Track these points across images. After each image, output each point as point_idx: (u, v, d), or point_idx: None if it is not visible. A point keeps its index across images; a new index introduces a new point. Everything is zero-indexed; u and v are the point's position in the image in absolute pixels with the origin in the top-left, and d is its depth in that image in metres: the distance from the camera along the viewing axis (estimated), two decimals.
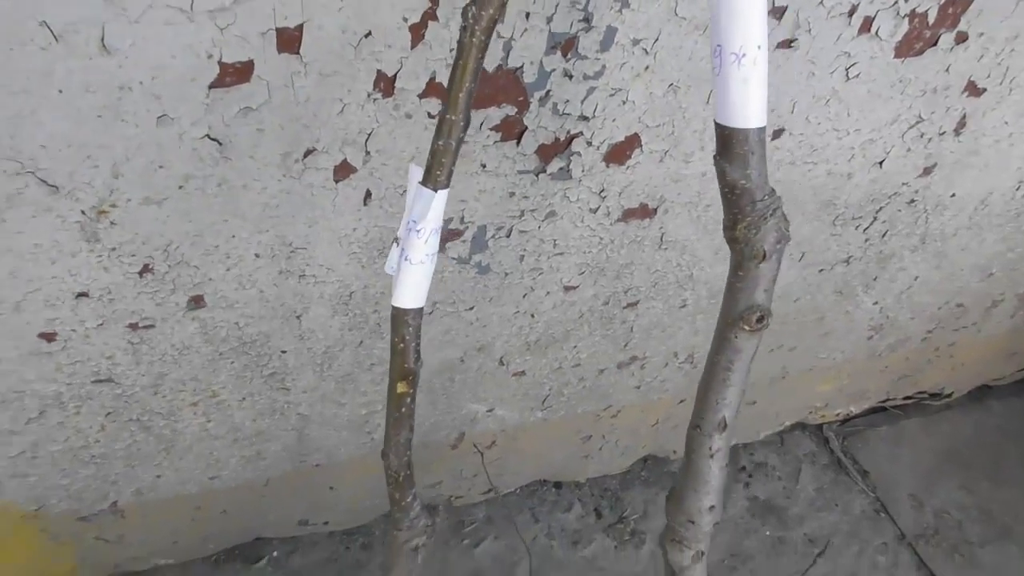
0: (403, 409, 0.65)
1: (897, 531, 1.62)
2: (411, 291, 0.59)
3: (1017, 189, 1.23)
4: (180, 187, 0.73)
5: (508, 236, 0.93)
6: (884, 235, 1.21)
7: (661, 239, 1.03)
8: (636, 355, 1.22)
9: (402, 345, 0.62)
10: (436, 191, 0.57)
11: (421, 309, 0.62)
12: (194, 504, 1.11)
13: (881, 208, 1.15)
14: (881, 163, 1.06)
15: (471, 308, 1.01)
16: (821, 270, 1.22)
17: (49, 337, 0.81)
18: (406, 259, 0.58)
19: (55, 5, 0.57)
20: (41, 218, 0.70)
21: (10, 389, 0.84)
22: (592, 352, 1.18)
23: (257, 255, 0.82)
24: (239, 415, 1.01)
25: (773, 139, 0.96)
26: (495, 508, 1.48)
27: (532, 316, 1.06)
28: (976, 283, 1.42)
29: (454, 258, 0.93)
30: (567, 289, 1.04)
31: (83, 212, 0.71)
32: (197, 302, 0.84)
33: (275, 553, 1.35)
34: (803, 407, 1.58)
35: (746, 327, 0.61)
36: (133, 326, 0.84)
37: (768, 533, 1.57)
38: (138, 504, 1.07)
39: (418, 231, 0.57)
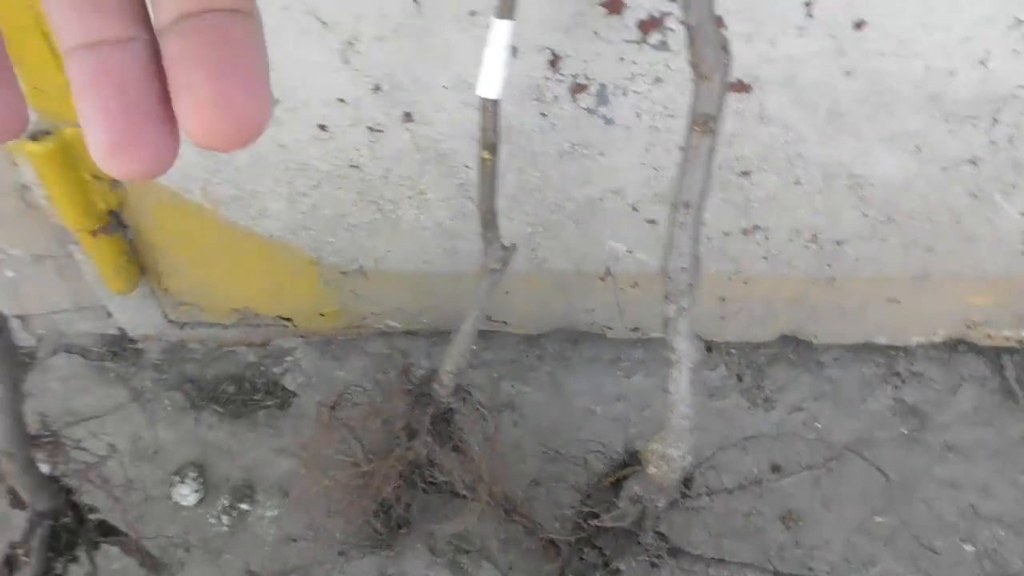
0: (487, 170, 1.03)
1: None
2: (489, 82, 0.96)
3: None
4: (395, 31, 1.16)
5: (624, 95, 1.24)
6: (1011, 139, 1.29)
7: (761, 114, 1.26)
8: (758, 224, 1.45)
9: (486, 126, 0.99)
10: (501, 19, 0.93)
11: (497, 101, 0.98)
12: (411, 280, 1.60)
13: (999, 110, 1.24)
14: (984, 62, 1.17)
15: (603, 153, 1.34)
16: (944, 168, 1.34)
17: (323, 128, 1.31)
18: (486, 62, 0.95)
19: None
20: (316, 45, 1.18)
21: (303, 161, 1.37)
22: (716, 213, 1.44)
23: (444, 87, 1.24)
24: (439, 213, 1.46)
25: (856, 30, 1.14)
26: (650, 352, 1.79)
27: (655, 170, 1.36)
28: None
29: (584, 108, 1.27)
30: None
31: (340, 42, 1.18)
32: (409, 117, 1.29)
33: (473, 347, 1.81)
34: (957, 318, 1.65)
35: (697, 128, 0.88)
36: (371, 128, 1.31)
37: (904, 431, 1.69)
38: (375, 271, 1.58)
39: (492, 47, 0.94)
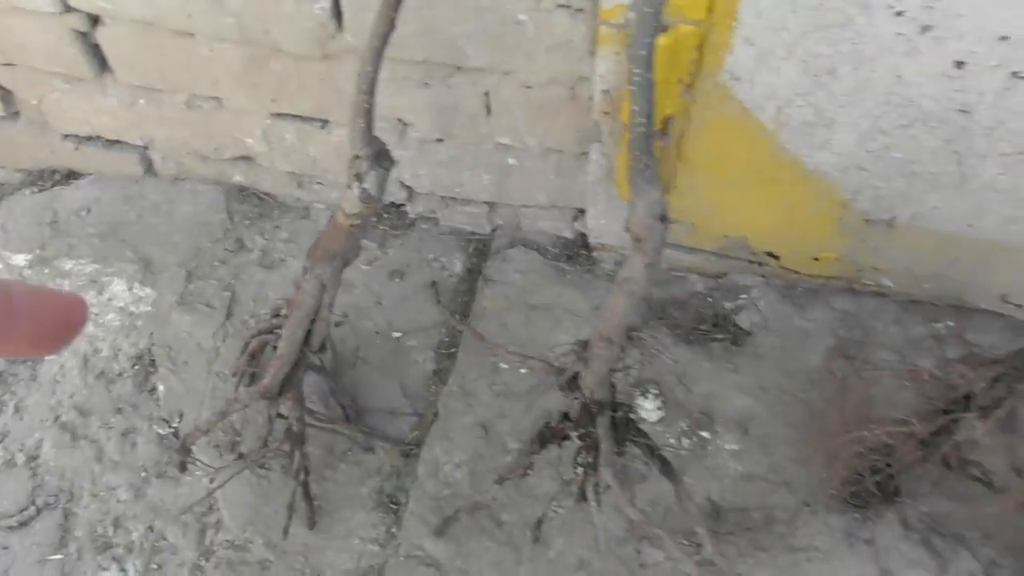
0: None
1: None
2: None
3: None
4: None
5: None
6: None
7: None
8: None
9: None
10: None
11: None
12: (942, 242, 1.48)
13: None
14: None
15: None
16: None
17: (959, 65, 1.21)
18: None
19: None
20: None
21: (910, 97, 1.27)
22: None
23: None
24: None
25: None
26: None
27: None
28: None
29: None
30: None
31: None
32: None
33: (950, 322, 1.69)
34: None
35: None
36: (1014, 74, 1.19)
37: None
38: (906, 225, 1.48)
39: None
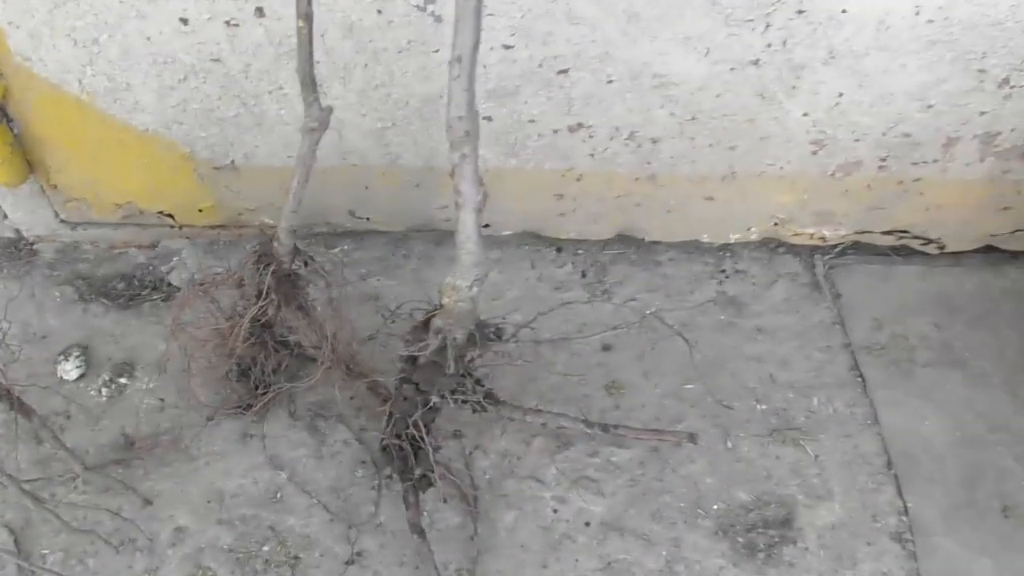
0: (302, 38, 1.21)
1: (845, 340, 1.87)
2: None
3: (917, 14, 1.46)
4: None
5: None
6: (785, 43, 1.51)
7: (569, 13, 1.46)
8: (581, 122, 1.65)
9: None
10: None
11: None
12: (279, 176, 1.75)
13: (769, 13, 1.46)
14: None
15: (436, 50, 1.52)
16: (732, 68, 1.55)
17: (184, 21, 1.47)
18: None
19: None
20: None
21: (169, 54, 1.52)
22: (542, 111, 1.63)
23: None
24: (299, 108, 1.62)
25: None
26: (505, 251, 1.99)
27: (484, 67, 1.55)
28: (917, 113, 1.63)
29: (414, 5, 1.45)
30: (506, 48, 1.52)
31: None
32: (261, 12, 1.46)
33: (345, 247, 1.99)
34: (765, 216, 1.88)
35: None
36: (227, 23, 1.47)
37: (722, 318, 1.91)
38: (246, 166, 1.74)
39: None
